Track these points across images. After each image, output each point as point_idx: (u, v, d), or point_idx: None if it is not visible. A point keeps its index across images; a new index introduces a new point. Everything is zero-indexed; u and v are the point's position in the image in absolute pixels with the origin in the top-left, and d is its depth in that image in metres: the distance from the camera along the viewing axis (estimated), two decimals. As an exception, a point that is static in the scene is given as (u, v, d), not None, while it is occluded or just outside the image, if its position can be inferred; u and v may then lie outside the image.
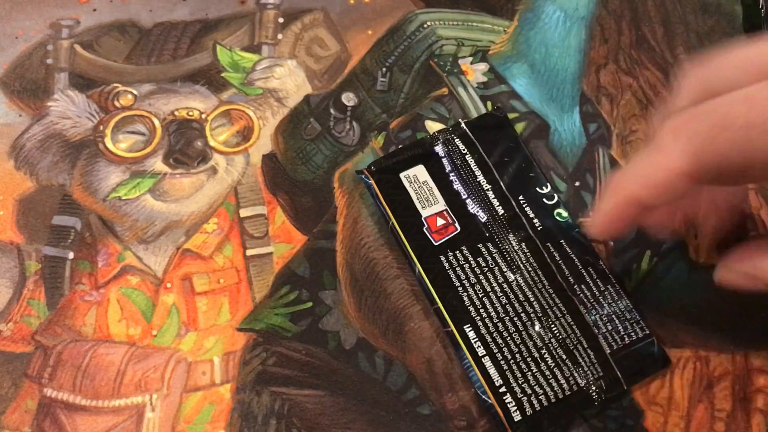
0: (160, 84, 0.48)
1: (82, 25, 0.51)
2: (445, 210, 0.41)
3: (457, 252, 0.39)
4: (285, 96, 0.48)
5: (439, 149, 0.43)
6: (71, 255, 0.43)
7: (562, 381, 0.36)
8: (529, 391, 0.36)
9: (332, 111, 0.47)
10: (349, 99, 0.47)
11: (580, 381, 0.36)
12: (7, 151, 0.46)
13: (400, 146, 0.44)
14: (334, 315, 0.41)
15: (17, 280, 0.42)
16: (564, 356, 0.37)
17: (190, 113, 0.47)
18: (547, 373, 0.36)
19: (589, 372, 0.36)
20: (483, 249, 0.39)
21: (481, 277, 0.39)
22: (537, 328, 0.37)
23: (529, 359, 0.36)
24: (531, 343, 0.37)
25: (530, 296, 0.38)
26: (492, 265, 0.39)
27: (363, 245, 0.43)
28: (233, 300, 0.42)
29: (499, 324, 0.37)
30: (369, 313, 0.41)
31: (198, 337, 0.41)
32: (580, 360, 0.36)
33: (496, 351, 0.37)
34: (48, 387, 0.39)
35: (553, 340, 0.37)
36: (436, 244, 0.40)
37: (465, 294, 0.38)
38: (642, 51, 0.49)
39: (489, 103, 0.46)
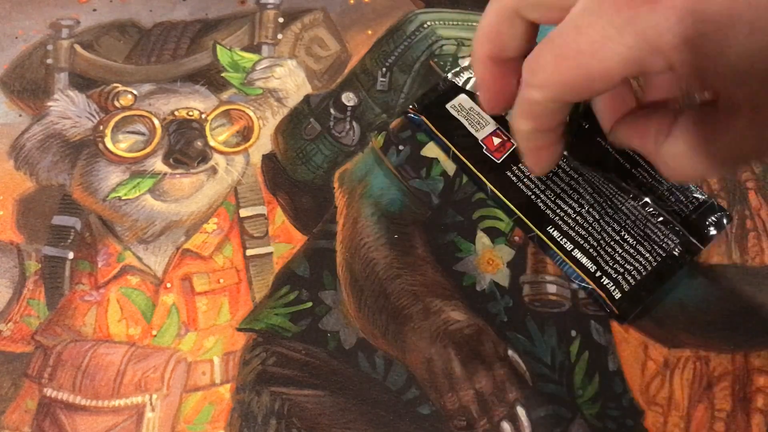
0: (160, 84, 0.48)
1: (82, 25, 0.51)
2: (498, 129, 0.43)
3: (520, 164, 0.41)
4: (285, 96, 0.48)
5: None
6: (71, 255, 0.43)
7: (647, 254, 0.39)
8: (621, 270, 0.38)
9: (332, 111, 0.47)
10: (349, 99, 0.47)
11: (661, 251, 0.39)
12: (7, 151, 0.46)
13: (436, 83, 0.45)
14: (334, 315, 0.41)
15: (17, 280, 0.42)
16: (642, 232, 0.39)
17: (190, 113, 0.47)
18: (632, 250, 0.39)
19: (667, 240, 0.39)
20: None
21: (548, 181, 0.41)
22: (611, 213, 0.40)
23: (612, 243, 0.39)
24: (610, 228, 0.39)
25: (597, 187, 0.41)
26: (555, 168, 0.41)
27: (363, 245, 0.43)
28: (233, 300, 0.42)
29: (578, 218, 0.40)
30: (369, 313, 0.41)
31: (198, 337, 0.41)
32: (657, 232, 0.39)
33: (582, 242, 0.39)
34: (48, 387, 0.39)
35: (628, 221, 0.40)
36: (498, 162, 0.42)
37: (539, 200, 0.40)
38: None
39: (413, 105, 0.46)
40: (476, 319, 0.40)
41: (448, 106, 0.43)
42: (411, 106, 0.44)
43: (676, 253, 0.39)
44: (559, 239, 0.39)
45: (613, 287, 0.38)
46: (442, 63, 0.48)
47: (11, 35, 0.50)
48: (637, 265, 0.39)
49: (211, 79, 0.49)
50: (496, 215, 0.43)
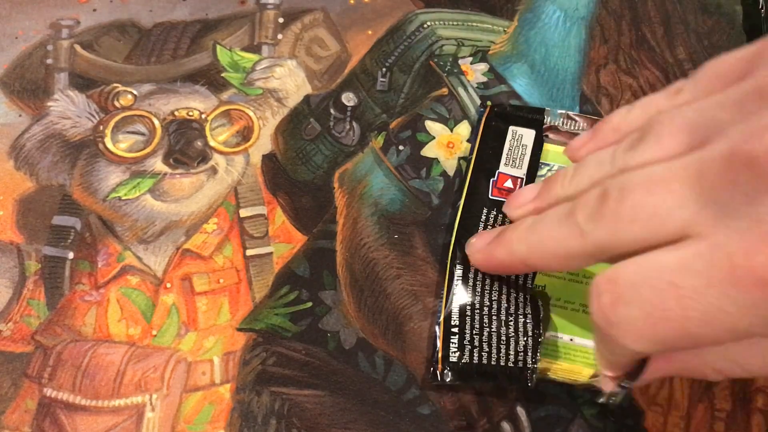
0: (160, 84, 0.48)
1: (82, 25, 0.51)
2: (521, 179, 0.41)
3: (499, 214, 0.39)
4: (285, 96, 0.48)
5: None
6: (71, 255, 0.43)
7: (512, 353, 0.36)
8: (476, 344, 0.36)
9: (332, 111, 0.47)
10: (349, 99, 0.47)
11: (529, 362, 0.36)
12: (7, 151, 0.46)
13: (540, 108, 0.44)
14: (334, 315, 0.41)
15: (17, 280, 0.42)
16: (529, 332, 0.37)
17: (190, 113, 0.47)
18: (503, 338, 0.36)
19: (525, 357, 0.36)
20: None
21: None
22: (514, 299, 0.37)
23: (494, 318, 0.37)
24: (504, 307, 0.37)
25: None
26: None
27: (363, 245, 0.43)
28: (233, 300, 0.42)
29: (488, 279, 0.37)
30: (369, 313, 0.41)
31: (198, 337, 0.41)
32: (523, 344, 0.37)
33: (469, 298, 0.37)
34: (48, 387, 0.39)
35: (522, 317, 0.37)
36: (490, 197, 0.40)
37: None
38: (642, 51, 0.49)
39: (489, 103, 0.46)
40: (476, 319, 0.40)
41: (511, 128, 0.43)
42: (491, 104, 0.44)
43: (533, 376, 0.36)
44: (456, 278, 0.37)
45: (456, 350, 0.36)
46: (441, 63, 0.48)
47: (11, 35, 0.50)
48: (494, 352, 0.36)
49: (211, 79, 0.49)
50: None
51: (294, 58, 0.49)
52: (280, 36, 0.50)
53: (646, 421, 0.38)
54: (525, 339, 0.36)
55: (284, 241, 0.44)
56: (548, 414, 0.38)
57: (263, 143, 0.46)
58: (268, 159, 0.46)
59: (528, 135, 0.42)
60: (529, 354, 0.36)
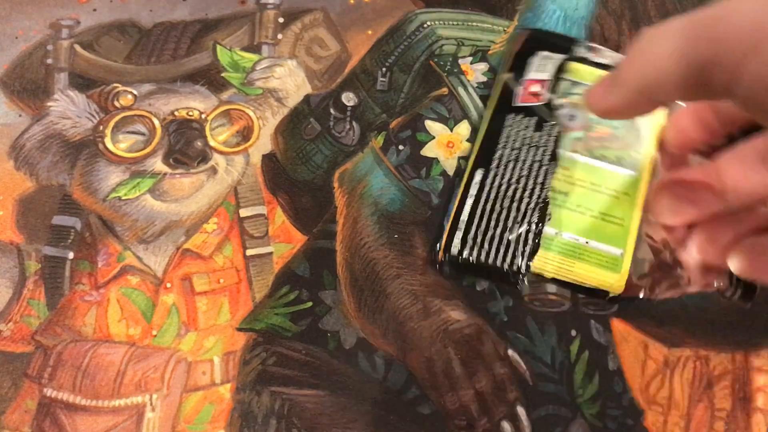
0: (160, 84, 0.48)
1: (82, 25, 0.51)
2: (548, 80, 0.41)
3: (525, 117, 0.40)
4: (285, 96, 0.48)
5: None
6: (71, 255, 0.43)
7: (509, 256, 0.37)
8: (478, 242, 0.37)
9: (332, 111, 0.47)
10: (349, 99, 0.47)
11: (522, 267, 0.37)
12: (7, 151, 0.46)
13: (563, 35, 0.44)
14: (334, 315, 0.41)
15: (17, 280, 0.42)
16: (528, 240, 0.37)
17: (190, 113, 0.47)
18: (504, 241, 0.37)
19: (518, 258, 0.37)
20: (546, 126, 0.40)
21: (523, 148, 0.39)
22: (524, 208, 0.38)
23: (501, 222, 0.37)
24: (513, 215, 0.38)
25: (545, 185, 0.39)
26: (539, 143, 0.39)
27: (363, 245, 0.43)
28: (233, 300, 0.42)
29: (504, 186, 0.38)
30: (369, 312, 0.41)
31: (198, 337, 0.41)
32: (529, 252, 0.37)
33: (483, 201, 0.38)
34: (48, 387, 0.39)
35: (527, 225, 0.37)
36: (517, 105, 0.40)
37: (500, 149, 0.39)
38: (642, 51, 0.49)
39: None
40: (476, 318, 0.40)
41: (545, 52, 0.42)
42: (522, 28, 0.43)
43: (524, 281, 0.37)
44: (474, 183, 0.38)
45: (458, 247, 0.37)
46: (442, 63, 0.48)
47: (11, 35, 0.50)
48: (493, 253, 0.37)
49: (211, 79, 0.49)
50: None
51: (294, 58, 0.49)
52: (280, 36, 0.50)
53: (646, 421, 0.38)
54: (524, 247, 0.37)
55: (284, 241, 0.43)
56: (548, 414, 0.38)
57: (263, 143, 0.46)
58: (268, 159, 0.46)
59: (556, 57, 0.42)
60: (525, 259, 0.37)
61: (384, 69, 0.48)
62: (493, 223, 0.38)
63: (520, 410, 0.38)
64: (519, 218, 0.38)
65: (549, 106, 0.41)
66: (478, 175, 0.39)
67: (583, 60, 0.43)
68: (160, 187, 0.45)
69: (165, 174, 0.45)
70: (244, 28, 0.51)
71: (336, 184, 0.45)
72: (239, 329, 0.41)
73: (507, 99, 0.41)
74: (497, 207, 0.38)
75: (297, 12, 0.51)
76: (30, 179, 0.45)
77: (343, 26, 0.51)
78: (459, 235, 0.37)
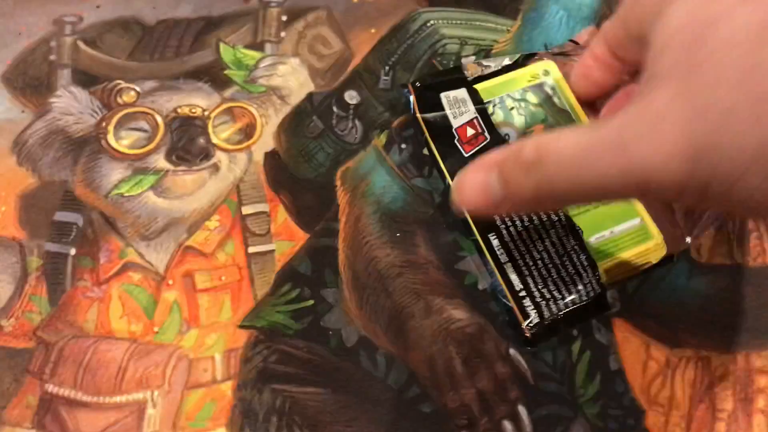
0: (163, 81, 0.48)
1: (86, 21, 0.51)
2: (475, 118, 0.40)
3: None
4: (288, 94, 0.48)
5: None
6: (73, 251, 0.43)
7: (581, 287, 0.37)
8: (548, 296, 0.36)
9: (335, 109, 0.47)
10: (351, 97, 0.47)
11: (596, 288, 0.37)
12: (10, 147, 0.46)
13: (451, 66, 0.44)
14: (336, 313, 0.41)
15: (19, 276, 0.42)
16: (584, 261, 0.37)
17: (193, 110, 0.47)
18: (567, 279, 0.37)
19: (590, 283, 0.37)
20: None
21: None
22: (552, 240, 0.38)
23: (550, 266, 0.37)
24: (553, 250, 0.37)
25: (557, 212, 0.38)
26: None
27: (365, 243, 0.43)
28: (235, 297, 0.42)
29: (523, 232, 0.38)
30: (370, 311, 0.41)
31: (199, 334, 0.41)
32: (582, 272, 0.37)
33: (518, 258, 0.37)
34: (49, 383, 0.39)
35: (572, 249, 0.37)
36: (466, 155, 0.39)
37: None
38: (645, 51, 0.49)
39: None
40: (478, 317, 0.40)
41: (443, 94, 0.42)
42: (411, 82, 0.43)
43: (595, 295, 0.37)
44: (496, 249, 0.37)
45: (534, 311, 0.36)
46: (445, 62, 0.48)
47: (14, 31, 0.50)
48: (566, 295, 0.37)
49: (214, 76, 0.49)
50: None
51: (297, 56, 0.49)
52: (283, 34, 0.50)
53: (647, 421, 0.38)
54: (585, 271, 0.37)
55: (286, 239, 0.44)
56: (549, 413, 0.38)
57: (266, 141, 0.46)
58: (271, 156, 0.46)
59: (460, 93, 0.42)
60: (594, 281, 0.37)
61: (387, 67, 0.48)
62: (544, 271, 0.37)
63: (521, 410, 0.38)
64: (560, 250, 0.38)
65: (498, 140, 0.40)
66: (495, 240, 0.38)
67: (482, 78, 0.42)
68: (163, 184, 0.45)
69: (167, 171, 0.45)
70: (247, 25, 0.51)
71: (338, 182, 0.45)
72: (241, 326, 0.41)
73: (455, 157, 0.39)
74: (535, 254, 0.37)
75: (300, 10, 0.51)
76: (32, 175, 0.45)
77: (347, 24, 0.51)
78: (527, 302, 0.37)
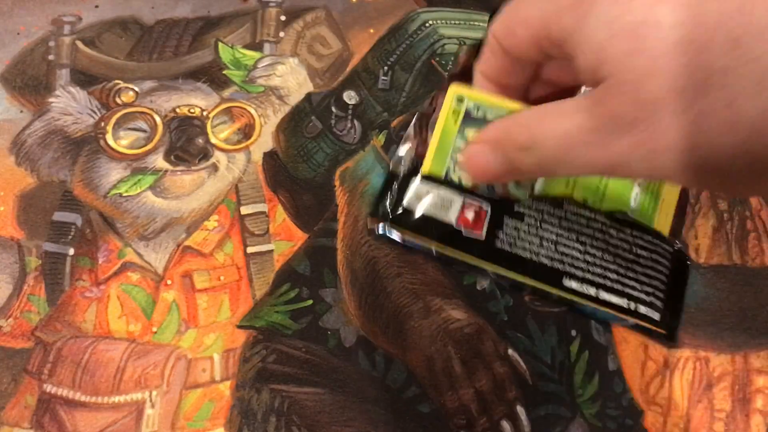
0: (162, 81, 0.48)
1: (84, 21, 0.51)
2: (465, 200, 0.37)
3: (505, 228, 0.35)
4: (286, 94, 0.48)
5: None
6: (72, 251, 0.43)
7: (656, 257, 0.35)
8: (649, 290, 0.35)
9: (334, 109, 0.47)
10: (350, 97, 0.47)
11: (661, 258, 0.35)
12: (8, 147, 0.46)
13: (384, 187, 0.36)
14: (335, 313, 0.41)
15: (17, 276, 0.42)
16: (635, 250, 0.36)
17: (192, 110, 0.47)
18: (641, 268, 0.35)
19: (658, 246, 0.36)
20: (521, 209, 0.36)
21: (541, 231, 0.35)
22: (605, 242, 0.37)
23: (624, 269, 0.35)
24: (613, 257, 0.36)
25: (588, 215, 0.37)
26: (539, 216, 0.37)
27: (364, 243, 0.43)
28: (233, 297, 0.42)
29: (586, 257, 0.37)
30: (369, 311, 0.41)
31: (198, 334, 0.41)
32: (643, 242, 0.36)
33: (602, 281, 0.35)
34: (48, 383, 0.39)
35: (619, 244, 0.37)
36: (483, 238, 0.35)
37: (541, 257, 0.35)
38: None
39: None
40: (477, 317, 0.40)
41: (405, 203, 0.35)
42: (374, 221, 0.34)
43: (671, 252, 0.38)
44: (579, 289, 0.35)
45: (650, 310, 0.35)
46: (443, 62, 0.48)
47: (13, 31, 0.50)
48: (655, 278, 0.36)
49: (212, 76, 0.49)
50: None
51: (296, 56, 0.49)
52: (282, 34, 0.50)
53: (645, 421, 0.38)
54: (649, 242, 0.35)
55: (285, 239, 0.43)
56: (548, 413, 0.38)
57: (264, 141, 0.46)
58: (270, 156, 0.46)
59: (417, 188, 0.34)
60: (661, 243, 0.36)
61: (386, 68, 0.48)
62: (622, 270, 0.36)
63: (520, 409, 0.38)
64: (613, 241, 0.37)
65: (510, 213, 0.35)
66: (571, 282, 0.36)
67: (422, 157, 0.40)
68: (161, 183, 0.45)
69: (166, 171, 0.45)
70: (246, 25, 0.51)
71: (337, 183, 0.45)
72: (239, 326, 0.41)
73: (470, 243, 0.34)
74: (611, 267, 0.36)
75: (299, 10, 0.51)
76: (31, 175, 0.45)
77: (345, 25, 0.51)
78: (642, 309, 0.36)
